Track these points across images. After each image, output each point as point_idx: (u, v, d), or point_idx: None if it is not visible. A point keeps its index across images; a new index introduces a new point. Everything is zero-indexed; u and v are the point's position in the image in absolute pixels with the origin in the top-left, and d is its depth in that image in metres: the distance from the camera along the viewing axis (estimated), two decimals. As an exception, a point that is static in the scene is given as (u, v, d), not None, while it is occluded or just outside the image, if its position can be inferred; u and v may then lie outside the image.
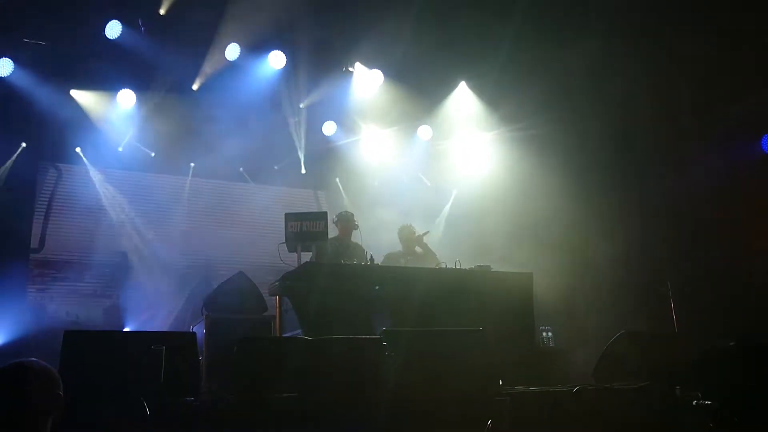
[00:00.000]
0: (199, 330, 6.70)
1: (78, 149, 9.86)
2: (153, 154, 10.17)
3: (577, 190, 9.11)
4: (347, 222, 7.61)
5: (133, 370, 4.09)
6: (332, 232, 7.30)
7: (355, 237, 7.52)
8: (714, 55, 8.15)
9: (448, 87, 10.61)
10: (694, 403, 4.79)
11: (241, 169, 10.88)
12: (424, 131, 11.14)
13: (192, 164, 10.60)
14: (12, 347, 8.12)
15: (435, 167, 11.35)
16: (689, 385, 4.93)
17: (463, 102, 10.64)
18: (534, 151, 9.54)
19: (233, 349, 4.50)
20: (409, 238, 7.78)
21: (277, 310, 6.75)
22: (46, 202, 9.74)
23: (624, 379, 5.27)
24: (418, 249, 7.73)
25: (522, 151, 9.78)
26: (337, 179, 11.49)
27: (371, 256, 6.84)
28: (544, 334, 7.23)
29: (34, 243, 9.47)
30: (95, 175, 10.02)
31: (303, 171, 11.02)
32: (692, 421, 4.70)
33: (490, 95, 10.30)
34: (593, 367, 5.70)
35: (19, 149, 9.28)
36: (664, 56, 8.63)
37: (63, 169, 9.94)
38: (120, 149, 9.91)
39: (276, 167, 11.07)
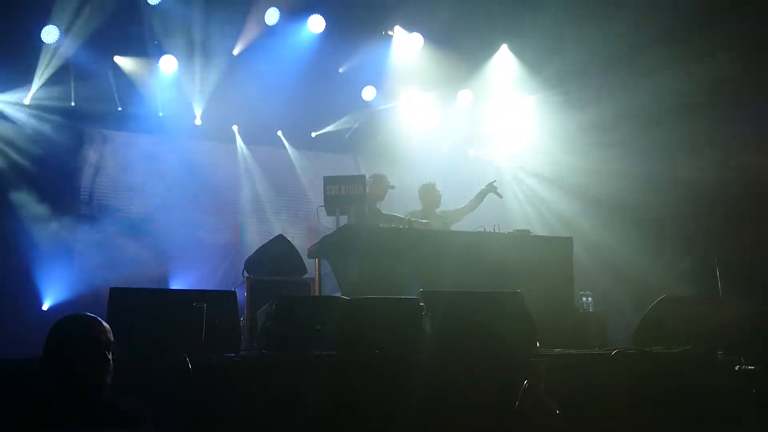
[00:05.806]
0: (241, 292, 6.82)
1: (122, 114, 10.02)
2: (198, 122, 10.31)
3: (621, 154, 8.91)
4: (379, 183, 7.53)
5: (176, 326, 4.18)
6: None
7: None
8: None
9: (489, 50, 10.42)
10: (736, 368, 4.70)
11: (279, 132, 10.93)
12: (465, 96, 11.01)
13: (235, 126, 10.74)
14: (62, 307, 8.43)
15: (475, 131, 11.22)
16: (732, 350, 4.84)
17: (504, 65, 10.45)
18: (576, 114, 9.34)
19: (271, 307, 4.58)
20: (431, 195, 7.56)
21: (317, 272, 6.85)
22: (93, 168, 9.95)
23: (664, 343, 5.18)
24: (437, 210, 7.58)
25: (564, 115, 9.60)
26: (377, 144, 11.48)
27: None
28: (584, 299, 7.12)
29: (83, 208, 9.74)
30: (139, 140, 10.20)
31: (345, 136, 11.10)
32: (734, 387, 4.63)
33: (533, 58, 10.08)
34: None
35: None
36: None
37: (108, 135, 10.12)
38: (160, 114, 10.08)
39: (314, 133, 11.13)
